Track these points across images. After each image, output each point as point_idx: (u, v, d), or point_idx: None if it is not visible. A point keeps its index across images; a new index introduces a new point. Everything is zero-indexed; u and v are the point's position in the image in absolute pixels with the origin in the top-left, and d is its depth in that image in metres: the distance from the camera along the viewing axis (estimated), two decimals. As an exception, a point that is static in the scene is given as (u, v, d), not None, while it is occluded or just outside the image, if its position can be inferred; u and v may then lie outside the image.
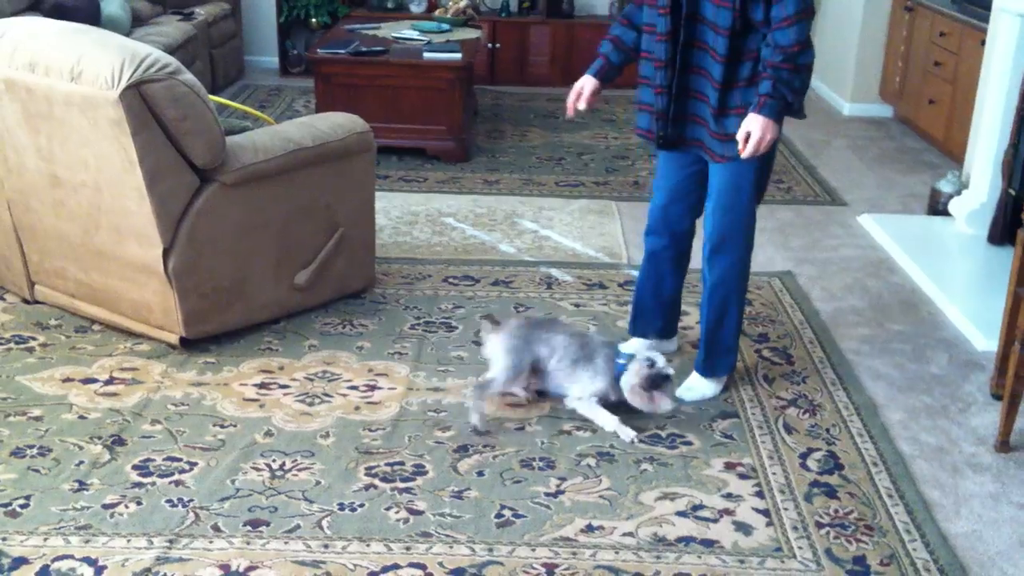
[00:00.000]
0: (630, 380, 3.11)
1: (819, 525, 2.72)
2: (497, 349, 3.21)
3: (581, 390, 3.19)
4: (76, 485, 2.79)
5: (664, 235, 3.39)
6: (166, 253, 3.33)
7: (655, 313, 3.53)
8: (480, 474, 2.89)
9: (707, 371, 3.35)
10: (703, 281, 3.31)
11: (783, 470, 2.96)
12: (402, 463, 2.93)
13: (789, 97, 2.94)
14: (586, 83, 3.30)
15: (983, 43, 5.16)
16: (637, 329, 3.57)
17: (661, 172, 3.36)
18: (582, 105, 3.30)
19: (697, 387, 3.35)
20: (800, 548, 2.63)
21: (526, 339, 3.21)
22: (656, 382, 3.08)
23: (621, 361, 3.16)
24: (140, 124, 3.13)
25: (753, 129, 2.94)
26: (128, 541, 2.58)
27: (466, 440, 3.05)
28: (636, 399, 3.11)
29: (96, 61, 3.10)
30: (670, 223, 3.36)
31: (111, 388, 3.29)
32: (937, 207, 5.10)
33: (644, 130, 3.26)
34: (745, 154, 2.97)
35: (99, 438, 3.01)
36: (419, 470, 2.90)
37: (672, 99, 3.13)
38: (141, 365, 3.43)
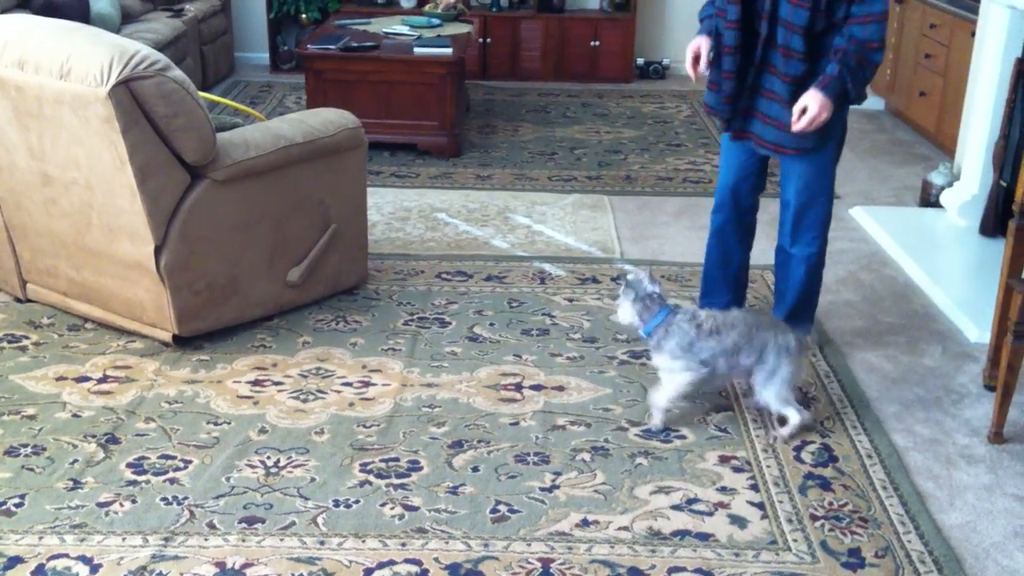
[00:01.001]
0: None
1: (814, 518, 2.72)
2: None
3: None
4: (70, 484, 2.79)
5: (731, 211, 3.51)
6: (158, 250, 3.32)
7: (724, 287, 3.65)
8: (475, 469, 2.89)
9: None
10: (781, 254, 3.50)
11: (777, 463, 2.96)
12: (397, 459, 2.93)
13: (850, 85, 3.05)
14: (702, 42, 3.25)
15: (973, 35, 5.17)
16: (706, 304, 3.67)
17: (728, 151, 3.46)
18: (703, 67, 3.25)
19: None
20: (795, 541, 2.63)
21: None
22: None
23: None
24: (130, 121, 3.12)
25: (811, 104, 3.05)
26: (123, 539, 2.58)
27: (460, 435, 3.05)
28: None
29: (85, 58, 3.08)
30: (738, 199, 3.49)
31: (105, 386, 3.28)
32: (929, 199, 5.11)
33: (711, 108, 3.34)
34: (797, 127, 3.08)
35: (93, 436, 3.01)
36: (414, 466, 2.90)
37: (739, 87, 3.21)
38: (134, 363, 3.42)
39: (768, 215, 3.89)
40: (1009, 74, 4.53)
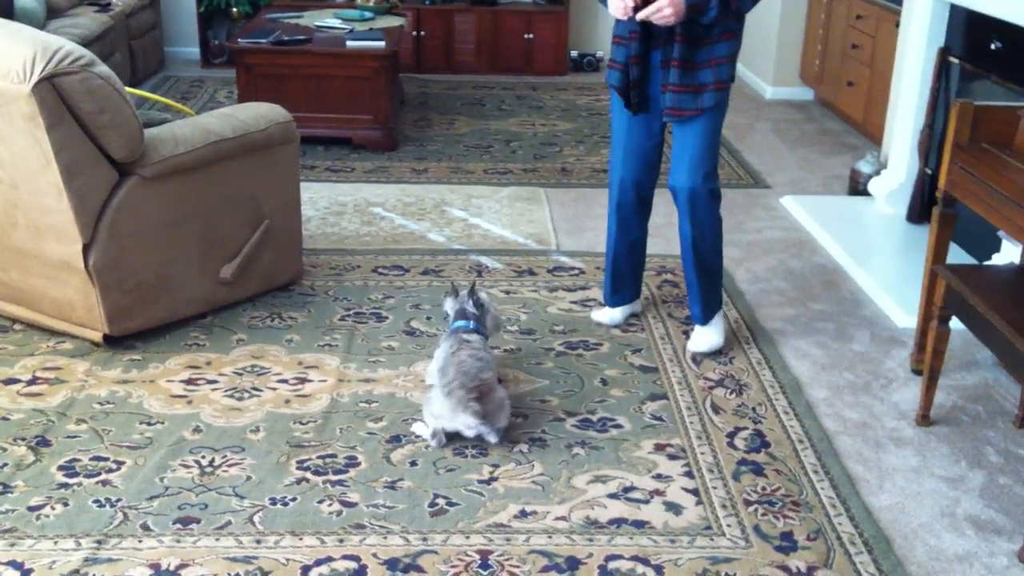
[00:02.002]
0: (491, 326, 3.27)
1: (747, 503, 2.77)
2: (498, 410, 3.00)
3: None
4: (0, 488, 2.73)
5: (635, 202, 3.53)
6: (86, 249, 3.27)
7: (631, 278, 3.70)
8: (413, 464, 2.89)
9: (705, 319, 3.55)
10: (683, 237, 3.46)
11: (711, 449, 3.01)
12: (334, 455, 2.92)
13: (711, 6, 3.04)
14: None
15: (898, 25, 5.27)
16: (616, 299, 3.72)
17: (627, 143, 3.45)
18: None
19: (707, 338, 3.54)
20: (729, 526, 2.67)
21: (500, 390, 3.06)
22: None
23: (464, 325, 3.16)
24: (55, 118, 3.07)
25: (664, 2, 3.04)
26: (55, 543, 2.54)
27: (398, 430, 3.05)
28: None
29: (7, 55, 3.02)
30: (640, 190, 3.51)
31: (34, 388, 3.22)
32: (857, 187, 5.20)
33: (616, 87, 3.38)
34: (640, 15, 3.10)
35: (23, 439, 2.95)
36: (351, 462, 2.89)
37: (645, 69, 3.28)
38: (64, 364, 3.36)
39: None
40: (932, 64, 4.63)
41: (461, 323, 3.18)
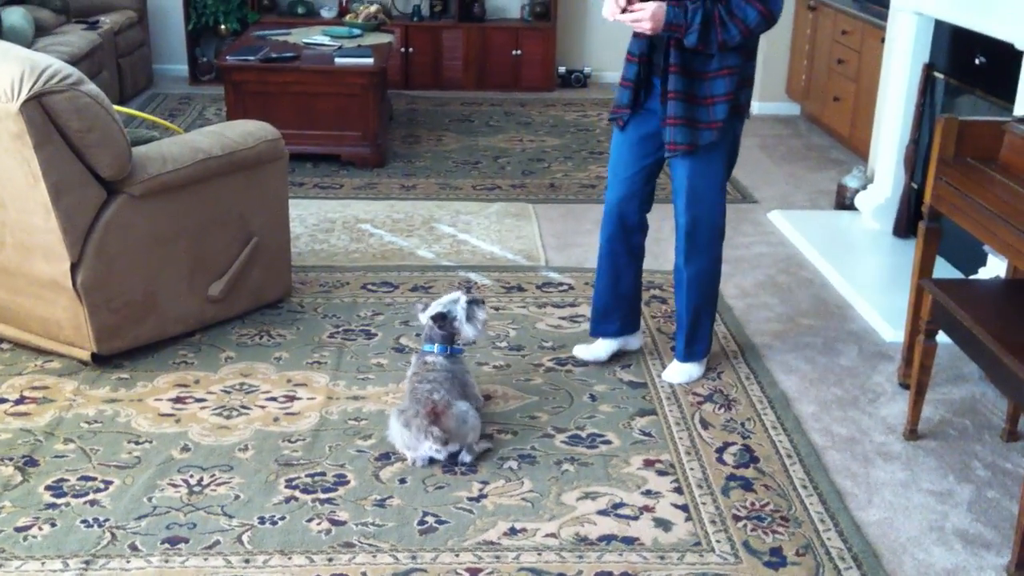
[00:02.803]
0: (473, 334, 3.18)
1: (736, 518, 2.77)
2: (461, 427, 2.97)
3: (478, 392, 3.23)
4: (-14, 509, 2.73)
5: (619, 230, 3.45)
6: (74, 268, 3.26)
7: (616, 311, 3.56)
8: (402, 481, 2.89)
9: (688, 357, 3.48)
10: (677, 272, 3.40)
11: (700, 465, 3.01)
12: (323, 473, 2.92)
13: (691, 24, 3.00)
14: None
15: (883, 41, 5.31)
16: (599, 329, 3.61)
17: (615, 166, 3.41)
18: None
19: (684, 370, 3.48)
20: (718, 542, 2.67)
21: (460, 405, 3.01)
22: (486, 322, 3.24)
23: (430, 347, 3.14)
24: (43, 137, 3.07)
25: (646, 12, 3.02)
26: (43, 564, 2.52)
27: (387, 448, 3.04)
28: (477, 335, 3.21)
29: (-5, 74, 3.02)
30: (624, 218, 3.43)
31: (21, 407, 3.21)
32: (844, 202, 5.23)
33: (619, 107, 3.34)
34: (619, 16, 3.07)
35: (10, 459, 2.94)
36: (340, 480, 2.89)
37: (641, 95, 3.24)
38: (52, 383, 3.35)
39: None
40: (918, 79, 4.66)
41: (426, 347, 3.15)
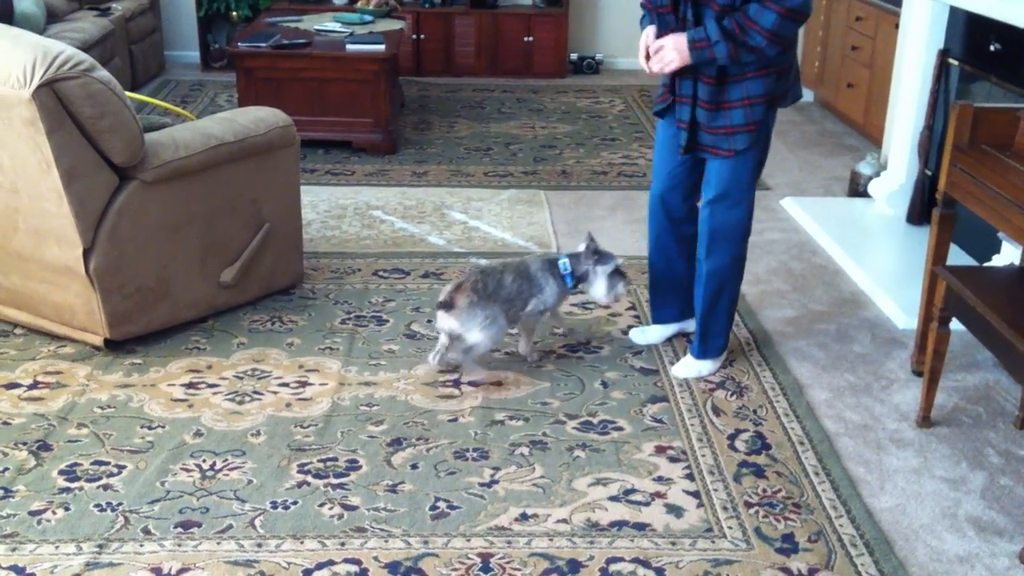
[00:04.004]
0: (599, 291, 3.41)
1: (748, 505, 2.77)
2: (463, 324, 3.23)
3: (533, 307, 3.37)
4: (1, 493, 2.74)
5: (665, 221, 3.44)
6: (87, 254, 3.27)
7: (674, 297, 3.57)
8: (414, 467, 2.90)
9: (701, 353, 3.43)
10: (698, 265, 3.36)
11: (712, 452, 3.01)
12: (335, 459, 2.92)
13: (715, 49, 2.97)
14: (650, 31, 3.16)
15: (898, 27, 5.28)
16: (658, 316, 3.64)
17: (659, 157, 3.41)
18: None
19: (694, 366, 3.44)
20: (730, 528, 2.67)
21: (486, 307, 3.25)
22: (616, 278, 3.42)
23: (563, 262, 3.40)
24: (55, 123, 3.07)
25: (667, 44, 3.04)
26: (56, 548, 2.54)
27: (399, 433, 3.05)
28: (606, 299, 3.45)
29: (7, 60, 3.03)
30: (670, 210, 3.42)
31: (35, 392, 3.22)
32: (857, 189, 5.21)
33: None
34: (647, 64, 3.11)
35: (24, 444, 2.96)
36: (352, 465, 2.90)
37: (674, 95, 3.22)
38: (65, 368, 3.37)
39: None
40: (932, 65, 4.63)
41: (562, 257, 3.41)
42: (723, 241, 3.27)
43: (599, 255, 3.41)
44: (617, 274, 3.43)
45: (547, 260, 3.42)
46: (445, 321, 3.24)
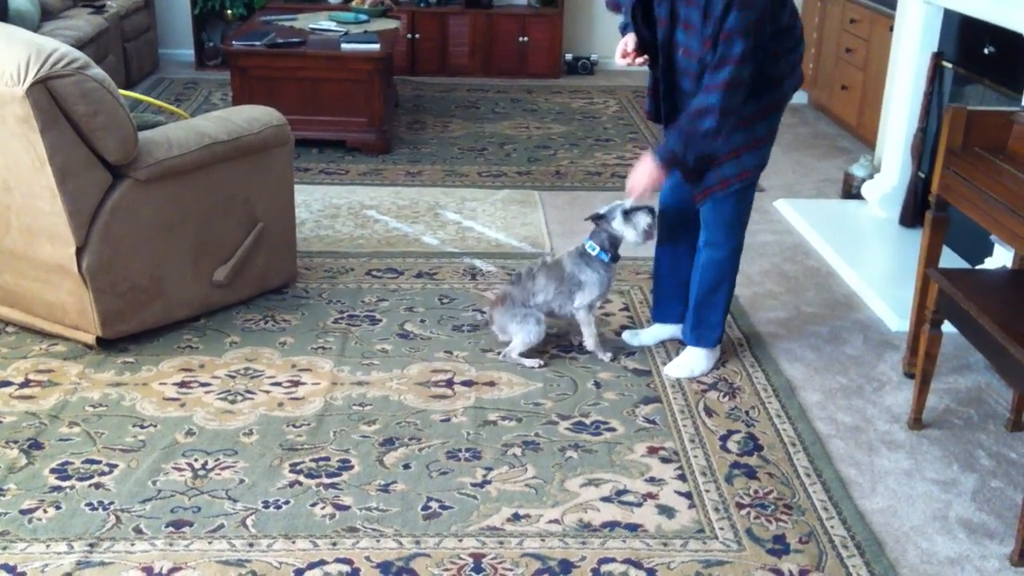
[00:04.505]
0: (634, 238, 3.41)
1: (740, 506, 2.77)
2: (507, 323, 3.47)
3: (580, 301, 3.47)
4: (-9, 491, 2.74)
5: (674, 218, 3.45)
6: (79, 252, 3.27)
7: (678, 297, 3.55)
8: (406, 467, 2.90)
9: (695, 341, 3.44)
10: (698, 252, 3.37)
11: (704, 453, 3.01)
12: (327, 458, 2.92)
13: (679, 149, 3.06)
14: (628, 39, 3.20)
15: (892, 29, 5.29)
16: (659, 315, 3.63)
17: None
18: (638, 60, 3.22)
19: (687, 363, 3.43)
20: (721, 529, 2.68)
21: (524, 305, 3.46)
22: (650, 226, 3.42)
23: (591, 243, 3.47)
24: (49, 121, 3.06)
25: (640, 169, 3.14)
26: (47, 546, 2.53)
27: (392, 433, 3.05)
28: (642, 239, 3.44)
29: (1, 57, 3.02)
30: (682, 210, 3.42)
31: (27, 391, 3.22)
32: (851, 191, 5.22)
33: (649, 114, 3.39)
34: (632, 195, 3.20)
35: (15, 442, 2.95)
36: (345, 465, 2.89)
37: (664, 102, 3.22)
38: (57, 367, 3.36)
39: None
40: (926, 68, 4.64)
41: (586, 241, 3.49)
42: (721, 234, 3.29)
43: (602, 214, 3.46)
44: (636, 213, 3.40)
45: (576, 251, 3.51)
46: (498, 331, 3.54)
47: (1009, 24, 3.81)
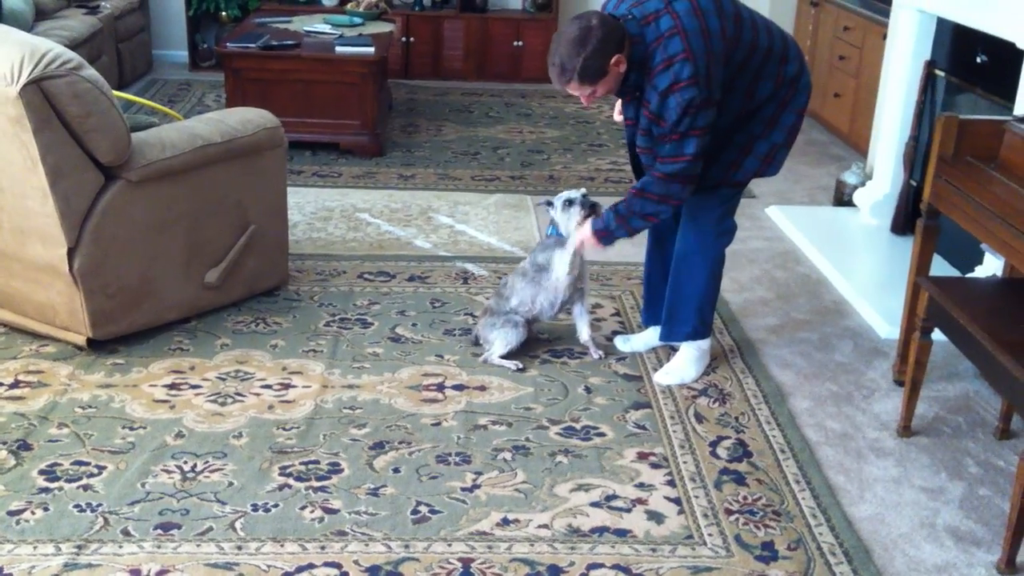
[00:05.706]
0: (563, 227, 3.46)
1: (728, 512, 2.78)
2: (488, 333, 3.55)
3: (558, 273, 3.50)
4: (-21, 492, 2.73)
5: (665, 222, 3.40)
6: (71, 253, 3.26)
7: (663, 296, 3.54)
8: (396, 471, 2.89)
9: (666, 336, 3.46)
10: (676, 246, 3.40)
11: (694, 459, 3.01)
12: (317, 462, 2.92)
13: (613, 225, 3.18)
14: (617, 106, 3.40)
15: (885, 37, 5.30)
16: (649, 318, 3.64)
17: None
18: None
19: (677, 370, 3.43)
20: (710, 535, 2.68)
21: (503, 314, 3.53)
22: (591, 211, 3.40)
23: (550, 229, 3.55)
24: (42, 121, 3.06)
25: (582, 230, 3.32)
26: (35, 548, 2.53)
27: (382, 437, 3.05)
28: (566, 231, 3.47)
29: (-6, 57, 3.02)
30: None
31: (16, 392, 3.21)
32: (843, 198, 5.23)
33: None
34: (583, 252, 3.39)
35: (4, 443, 2.94)
36: (334, 468, 2.89)
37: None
38: (47, 368, 3.35)
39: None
40: (918, 77, 4.66)
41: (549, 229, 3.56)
42: (697, 230, 3.31)
43: (568, 203, 3.47)
44: (573, 206, 3.42)
45: (537, 247, 3.64)
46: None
47: (1001, 33, 3.83)
